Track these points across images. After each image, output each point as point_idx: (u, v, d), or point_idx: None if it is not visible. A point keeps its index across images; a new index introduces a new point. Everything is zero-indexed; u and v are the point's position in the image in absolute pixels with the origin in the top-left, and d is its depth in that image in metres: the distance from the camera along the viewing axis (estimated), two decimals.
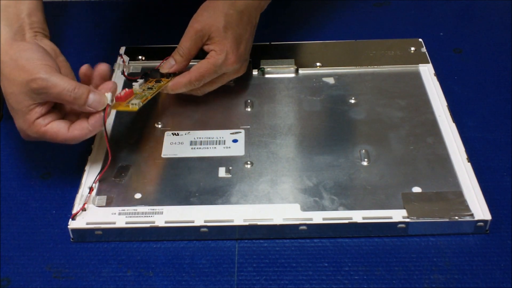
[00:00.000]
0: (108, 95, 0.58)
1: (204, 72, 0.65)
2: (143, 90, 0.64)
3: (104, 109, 0.58)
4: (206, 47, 0.65)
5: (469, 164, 0.61)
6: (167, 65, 0.66)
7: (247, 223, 0.56)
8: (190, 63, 0.67)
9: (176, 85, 0.65)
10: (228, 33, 0.64)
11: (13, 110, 0.57)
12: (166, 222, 0.56)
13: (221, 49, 0.64)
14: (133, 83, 0.65)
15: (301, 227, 0.56)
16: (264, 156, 0.63)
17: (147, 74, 0.67)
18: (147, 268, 0.55)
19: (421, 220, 0.56)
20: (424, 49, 0.76)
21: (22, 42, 0.59)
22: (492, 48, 0.80)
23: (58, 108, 0.59)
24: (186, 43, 0.65)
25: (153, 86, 0.65)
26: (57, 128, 0.57)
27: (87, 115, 0.58)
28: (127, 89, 0.62)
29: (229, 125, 0.67)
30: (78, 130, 0.57)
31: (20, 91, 0.56)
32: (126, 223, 0.57)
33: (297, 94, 0.71)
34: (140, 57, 0.76)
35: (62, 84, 0.56)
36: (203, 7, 0.66)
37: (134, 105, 0.60)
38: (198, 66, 0.65)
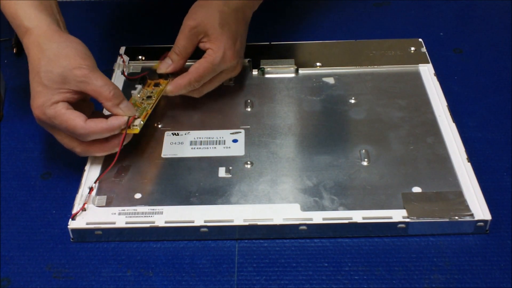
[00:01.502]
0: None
1: (203, 72, 0.64)
2: (142, 99, 0.64)
3: (128, 119, 0.59)
4: (202, 45, 0.65)
5: (469, 164, 0.61)
6: (164, 65, 0.66)
7: (247, 223, 0.56)
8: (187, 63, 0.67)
9: (175, 87, 0.65)
10: (224, 30, 0.64)
11: (41, 86, 0.57)
12: (166, 222, 0.56)
13: (218, 46, 0.64)
14: (132, 91, 0.65)
15: (301, 227, 0.56)
16: (264, 156, 0.63)
17: (145, 78, 0.67)
18: (147, 268, 0.55)
19: (421, 220, 0.56)
20: (424, 49, 0.76)
21: (69, 35, 0.61)
22: (492, 48, 0.80)
23: (82, 110, 0.59)
24: (182, 41, 0.65)
25: (152, 92, 0.65)
26: (74, 115, 0.57)
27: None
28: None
29: (229, 125, 0.67)
30: (94, 123, 0.57)
31: (60, 72, 0.57)
32: (126, 223, 0.57)
33: (297, 94, 0.71)
34: (140, 57, 0.76)
35: (105, 80, 0.58)
36: (196, 5, 0.66)
37: (135, 126, 0.60)
38: (197, 66, 0.64)
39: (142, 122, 0.61)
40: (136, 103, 0.64)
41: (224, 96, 0.70)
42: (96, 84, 0.58)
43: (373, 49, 0.76)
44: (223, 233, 0.57)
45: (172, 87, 0.65)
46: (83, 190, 0.60)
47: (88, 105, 0.62)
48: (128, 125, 0.59)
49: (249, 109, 0.69)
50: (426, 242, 0.56)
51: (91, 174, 0.61)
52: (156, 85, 0.66)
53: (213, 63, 0.64)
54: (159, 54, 0.71)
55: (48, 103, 0.57)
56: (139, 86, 0.65)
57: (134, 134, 0.65)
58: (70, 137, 0.59)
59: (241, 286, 0.54)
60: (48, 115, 0.57)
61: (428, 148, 0.63)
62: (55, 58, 0.57)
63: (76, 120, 0.57)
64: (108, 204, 0.58)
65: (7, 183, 0.63)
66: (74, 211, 0.57)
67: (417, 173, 0.60)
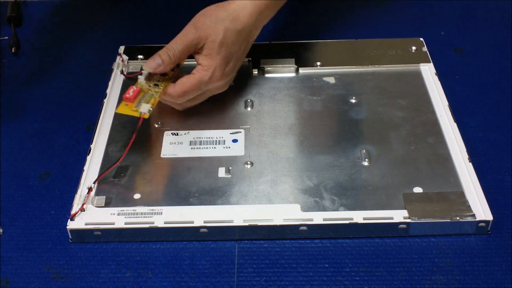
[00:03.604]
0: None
1: (188, 89, 0.63)
2: (149, 86, 0.63)
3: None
4: (196, 56, 0.64)
5: (470, 164, 0.61)
6: (153, 65, 0.63)
7: (247, 224, 0.56)
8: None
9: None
10: (222, 49, 0.63)
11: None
12: (165, 223, 0.56)
13: (209, 65, 0.63)
14: (139, 76, 0.63)
15: (302, 228, 0.56)
16: (264, 156, 0.63)
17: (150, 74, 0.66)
18: (146, 269, 0.55)
19: (422, 220, 0.56)
20: (425, 49, 0.76)
21: None
22: (493, 48, 0.79)
23: None
24: (179, 46, 0.63)
25: (158, 81, 0.64)
26: None
27: None
28: (134, 87, 0.62)
29: (229, 125, 0.67)
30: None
31: None
32: (125, 223, 0.56)
33: (298, 94, 0.71)
34: (139, 56, 0.76)
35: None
36: (205, 13, 0.64)
37: (145, 113, 0.60)
38: (183, 81, 0.63)
39: (151, 108, 0.61)
40: (143, 88, 0.63)
41: (224, 96, 0.70)
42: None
43: (374, 48, 0.76)
44: (223, 234, 0.57)
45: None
46: (82, 191, 0.59)
47: None
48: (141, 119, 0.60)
49: (249, 109, 0.69)
50: (427, 243, 0.56)
51: (90, 174, 0.61)
52: (163, 74, 0.65)
53: (200, 81, 0.63)
54: None
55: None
56: (145, 72, 0.63)
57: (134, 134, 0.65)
58: None
59: (241, 287, 0.53)
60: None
61: (429, 148, 0.63)
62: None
63: None
64: (107, 204, 0.58)
65: (5, 184, 0.63)
66: (73, 212, 0.57)
67: (418, 173, 0.60)
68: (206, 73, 0.63)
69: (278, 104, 0.69)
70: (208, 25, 0.63)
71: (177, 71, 0.65)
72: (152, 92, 0.63)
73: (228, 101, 0.70)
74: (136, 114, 0.61)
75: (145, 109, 0.61)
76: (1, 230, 0.58)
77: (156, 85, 0.64)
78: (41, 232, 0.58)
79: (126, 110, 0.61)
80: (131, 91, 0.61)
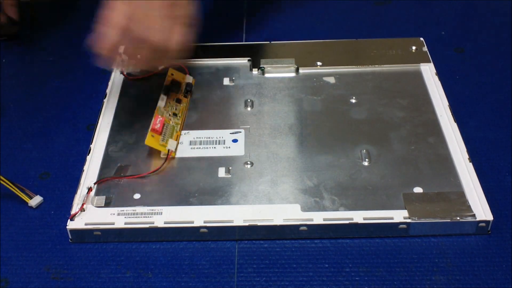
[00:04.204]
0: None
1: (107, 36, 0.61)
2: (169, 115, 0.65)
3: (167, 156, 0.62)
4: None
5: (470, 164, 0.60)
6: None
7: (247, 224, 0.56)
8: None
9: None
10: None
11: None
12: (165, 223, 0.56)
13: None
14: (159, 102, 0.65)
15: (302, 228, 0.56)
16: (264, 156, 0.63)
17: (168, 88, 0.67)
18: (146, 269, 0.55)
19: (422, 220, 0.56)
20: (425, 48, 0.75)
21: None
22: (494, 48, 0.79)
23: None
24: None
25: (176, 109, 0.66)
26: None
27: None
28: (160, 117, 0.63)
29: (229, 125, 0.67)
30: None
31: None
32: (125, 223, 0.56)
33: (298, 94, 0.71)
34: (139, 56, 0.76)
35: None
36: None
37: (172, 150, 0.62)
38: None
39: (176, 146, 0.63)
40: (165, 120, 0.64)
41: (224, 95, 0.70)
42: None
43: (374, 48, 0.76)
44: (223, 234, 0.57)
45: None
46: (81, 191, 0.59)
47: None
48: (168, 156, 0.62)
49: (249, 109, 0.69)
50: (427, 243, 0.56)
51: (89, 174, 0.61)
52: (178, 101, 0.67)
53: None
54: None
55: None
56: (164, 97, 0.66)
57: (133, 134, 0.65)
58: None
59: (241, 287, 0.53)
60: None
61: (430, 148, 0.63)
62: None
63: None
64: (107, 204, 0.58)
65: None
66: (72, 212, 0.57)
67: (419, 173, 0.60)
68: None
69: (278, 104, 0.69)
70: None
71: (189, 97, 0.68)
72: (172, 123, 0.64)
73: (228, 101, 0.70)
74: (164, 150, 0.62)
75: (172, 146, 0.62)
76: (41, 199, 0.60)
77: (175, 114, 0.65)
78: (41, 232, 0.58)
79: (154, 143, 0.62)
80: (158, 122, 0.63)
